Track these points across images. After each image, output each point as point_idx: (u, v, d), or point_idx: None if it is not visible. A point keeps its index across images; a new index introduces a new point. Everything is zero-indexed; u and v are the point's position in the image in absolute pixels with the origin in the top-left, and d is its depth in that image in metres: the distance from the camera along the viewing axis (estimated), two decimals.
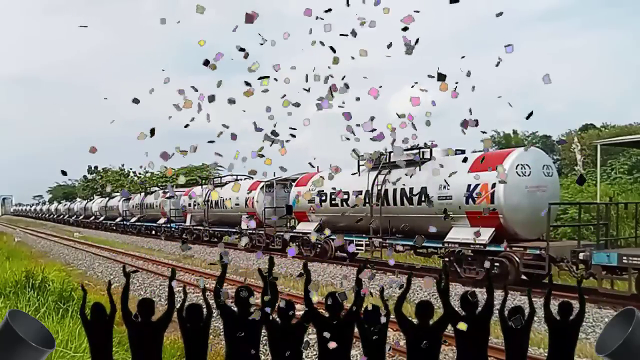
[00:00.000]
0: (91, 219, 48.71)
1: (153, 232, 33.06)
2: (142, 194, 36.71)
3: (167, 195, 30.47)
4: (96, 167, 79.10)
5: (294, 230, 19.37)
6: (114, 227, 39.73)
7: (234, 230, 23.74)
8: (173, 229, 30.18)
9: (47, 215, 77.47)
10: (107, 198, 45.89)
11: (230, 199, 23.12)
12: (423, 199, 13.96)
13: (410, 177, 13.67)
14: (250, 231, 21.34)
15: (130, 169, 71.80)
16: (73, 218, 57.69)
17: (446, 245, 13.07)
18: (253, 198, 22.86)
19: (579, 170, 23.17)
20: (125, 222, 37.55)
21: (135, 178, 67.69)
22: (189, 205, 28.41)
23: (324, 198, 17.33)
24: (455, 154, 13.07)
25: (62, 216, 65.82)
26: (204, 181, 30.26)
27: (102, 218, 44.71)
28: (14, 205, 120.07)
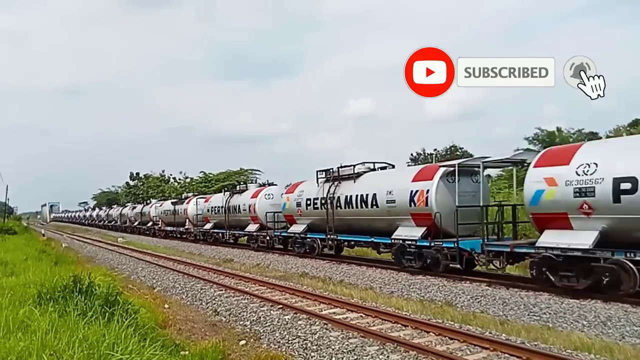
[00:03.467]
0: (104, 222, 63.33)
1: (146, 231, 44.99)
2: (142, 205, 50.83)
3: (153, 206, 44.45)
4: (138, 174, 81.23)
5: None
6: (125, 228, 51.58)
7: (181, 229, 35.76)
8: (161, 229, 41.17)
9: (83, 221, 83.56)
10: (122, 207, 60.08)
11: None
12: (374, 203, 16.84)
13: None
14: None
15: (170, 174, 73.62)
16: (95, 222, 70.58)
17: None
18: (187, 209, 34.54)
19: None
20: (132, 225, 50.28)
21: (175, 184, 69.14)
22: (162, 213, 40.53)
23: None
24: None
25: (94, 221, 72.85)
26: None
27: (119, 222, 56.76)
28: (60, 212, 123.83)
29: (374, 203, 16.69)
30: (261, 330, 9.12)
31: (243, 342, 8.43)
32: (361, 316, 9.76)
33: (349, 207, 17.87)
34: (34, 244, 25.73)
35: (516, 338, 7.95)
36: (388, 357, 7.21)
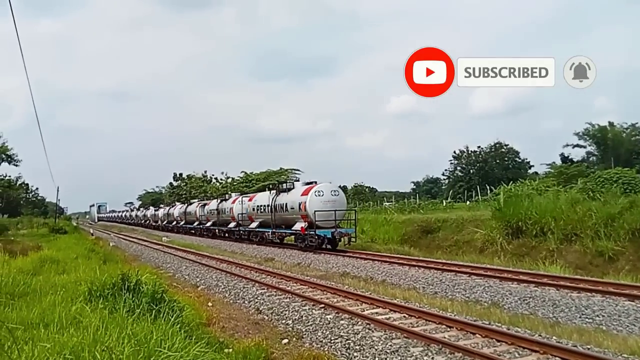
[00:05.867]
0: (150, 222, 67.55)
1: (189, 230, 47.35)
2: (187, 204, 52.12)
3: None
4: (181, 174, 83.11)
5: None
6: (171, 228, 53.58)
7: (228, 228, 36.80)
8: (191, 229, 45.65)
9: (129, 220, 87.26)
10: (168, 206, 62.28)
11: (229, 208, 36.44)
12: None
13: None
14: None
15: (212, 174, 75.03)
16: (141, 222, 75.24)
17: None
18: (232, 208, 35.07)
19: None
20: (177, 225, 51.59)
21: (217, 184, 70.37)
22: (208, 212, 41.77)
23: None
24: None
25: (140, 221, 76.19)
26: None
27: (165, 221, 58.84)
28: (107, 212, 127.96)
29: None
30: (303, 329, 9.12)
31: (285, 340, 8.45)
32: (404, 316, 9.63)
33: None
34: (83, 243, 26.70)
35: (568, 341, 7.66)
36: (433, 358, 7.07)
